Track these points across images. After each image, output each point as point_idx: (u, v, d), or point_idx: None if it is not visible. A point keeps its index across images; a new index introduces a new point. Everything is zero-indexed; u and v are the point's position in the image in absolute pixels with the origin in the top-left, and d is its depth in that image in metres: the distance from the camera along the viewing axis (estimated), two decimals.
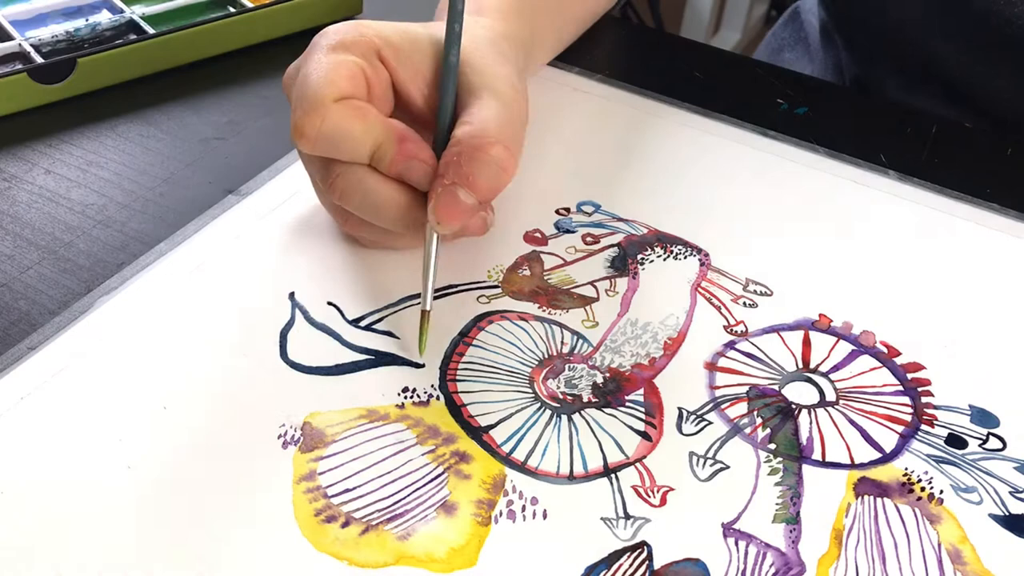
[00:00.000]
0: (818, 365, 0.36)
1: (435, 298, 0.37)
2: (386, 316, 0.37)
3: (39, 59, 0.48)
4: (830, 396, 0.35)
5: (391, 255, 0.39)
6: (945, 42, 0.54)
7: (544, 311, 0.37)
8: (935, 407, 0.35)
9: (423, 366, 0.35)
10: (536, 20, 0.45)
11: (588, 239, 0.41)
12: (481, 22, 0.41)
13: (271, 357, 0.35)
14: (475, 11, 0.42)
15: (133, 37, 0.50)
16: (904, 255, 0.41)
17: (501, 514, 0.30)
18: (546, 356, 0.36)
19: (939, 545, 0.30)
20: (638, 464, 0.32)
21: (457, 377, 0.35)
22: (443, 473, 0.31)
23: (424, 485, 0.31)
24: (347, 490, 0.31)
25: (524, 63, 0.42)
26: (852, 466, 0.33)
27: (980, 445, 0.33)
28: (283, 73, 0.38)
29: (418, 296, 0.38)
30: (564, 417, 0.34)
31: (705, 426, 0.33)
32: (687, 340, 0.37)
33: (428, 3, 0.57)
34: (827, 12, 0.64)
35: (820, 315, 0.38)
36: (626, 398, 0.34)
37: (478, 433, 0.33)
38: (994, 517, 0.31)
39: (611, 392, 0.34)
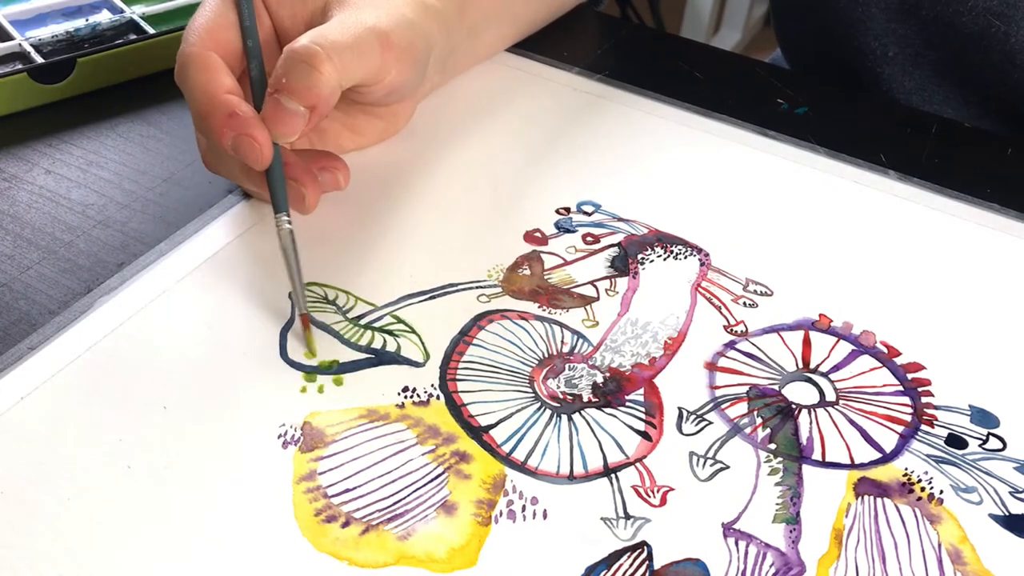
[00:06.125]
0: (818, 365, 0.36)
1: (434, 297, 0.37)
2: (386, 315, 0.37)
3: (39, 59, 0.48)
4: (830, 396, 0.35)
5: (391, 255, 0.39)
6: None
7: (544, 310, 0.37)
8: (935, 407, 0.35)
9: (423, 366, 0.35)
10: None
11: (588, 239, 0.41)
12: None
13: (271, 357, 0.35)
14: None
15: (133, 37, 0.50)
16: (904, 255, 0.41)
17: (501, 514, 0.30)
18: (546, 356, 0.36)
19: (939, 545, 0.30)
20: (638, 464, 0.32)
21: (457, 377, 0.35)
22: (443, 473, 0.31)
23: (424, 485, 0.31)
24: (347, 490, 0.31)
25: (433, 29, 0.42)
26: (852, 466, 0.33)
27: (980, 445, 0.33)
28: None
29: (418, 295, 0.38)
30: (564, 417, 0.34)
31: (705, 426, 0.33)
32: (687, 340, 0.37)
33: None
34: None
35: (820, 315, 0.38)
36: (626, 398, 0.34)
37: (478, 433, 0.33)
38: (994, 517, 0.31)
39: (611, 392, 0.34)
